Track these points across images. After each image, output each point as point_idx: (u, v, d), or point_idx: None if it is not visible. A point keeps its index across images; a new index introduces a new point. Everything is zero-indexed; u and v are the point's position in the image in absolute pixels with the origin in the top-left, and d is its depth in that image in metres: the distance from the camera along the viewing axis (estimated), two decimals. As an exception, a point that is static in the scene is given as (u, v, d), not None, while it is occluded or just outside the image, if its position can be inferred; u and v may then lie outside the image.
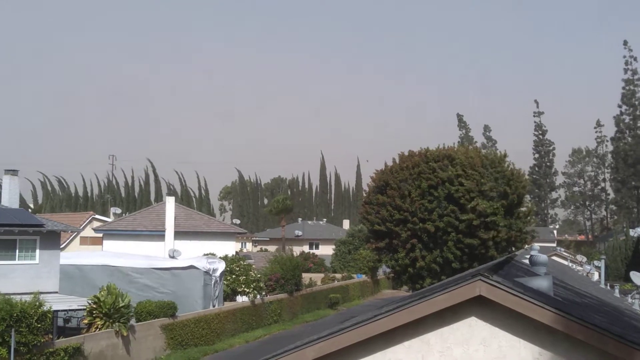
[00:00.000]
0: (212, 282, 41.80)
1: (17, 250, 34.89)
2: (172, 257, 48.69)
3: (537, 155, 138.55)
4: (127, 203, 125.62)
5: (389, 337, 9.59)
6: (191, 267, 41.47)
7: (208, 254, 50.56)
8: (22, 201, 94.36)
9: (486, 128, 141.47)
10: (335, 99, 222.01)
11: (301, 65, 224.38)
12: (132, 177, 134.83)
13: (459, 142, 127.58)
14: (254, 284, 45.69)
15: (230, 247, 58.58)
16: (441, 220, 42.08)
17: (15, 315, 26.42)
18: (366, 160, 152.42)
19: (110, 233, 59.12)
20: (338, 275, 70.45)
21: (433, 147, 46.38)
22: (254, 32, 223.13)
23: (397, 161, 45.99)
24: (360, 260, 74.19)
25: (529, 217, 45.78)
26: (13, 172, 39.58)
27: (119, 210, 78.03)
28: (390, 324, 9.46)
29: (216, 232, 59.43)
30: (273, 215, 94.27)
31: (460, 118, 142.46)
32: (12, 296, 27.91)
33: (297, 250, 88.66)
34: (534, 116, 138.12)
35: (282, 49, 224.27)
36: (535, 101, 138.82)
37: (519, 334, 9.29)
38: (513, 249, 42.01)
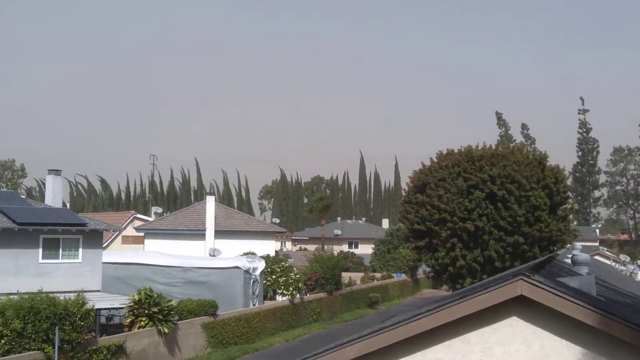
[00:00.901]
0: (252, 281, 42.00)
1: (61, 249, 35.39)
2: (213, 256, 49.05)
3: (580, 153, 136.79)
4: (167, 202, 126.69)
5: (429, 337, 9.56)
6: (231, 266, 41.72)
7: (248, 253, 50.84)
8: (67, 201, 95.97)
9: (524, 126, 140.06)
10: (374, 98, 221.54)
11: (338, 64, 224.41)
12: (172, 177, 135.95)
13: (498, 140, 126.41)
14: (294, 284, 45.81)
15: (270, 246, 58.81)
16: (480, 219, 41.84)
17: (59, 313, 26.79)
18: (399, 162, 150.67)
19: (152, 232, 59.71)
20: (377, 275, 70.31)
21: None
22: (282, 28, 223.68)
23: (436, 160, 45.77)
24: (399, 259, 73.96)
25: (571, 216, 45.35)
26: (56, 172, 40.17)
27: (160, 210, 78.70)
28: (430, 323, 9.43)
29: (256, 232, 59.70)
30: (312, 215, 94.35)
31: (499, 116, 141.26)
32: (56, 294, 28.29)
33: (336, 249, 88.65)
34: (579, 113, 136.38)
35: (312, 48, 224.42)
36: (581, 98, 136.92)
37: (561, 334, 9.20)
38: (555, 248, 41.61)
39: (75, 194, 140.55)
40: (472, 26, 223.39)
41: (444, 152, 46.28)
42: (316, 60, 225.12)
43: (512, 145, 58.88)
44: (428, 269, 50.17)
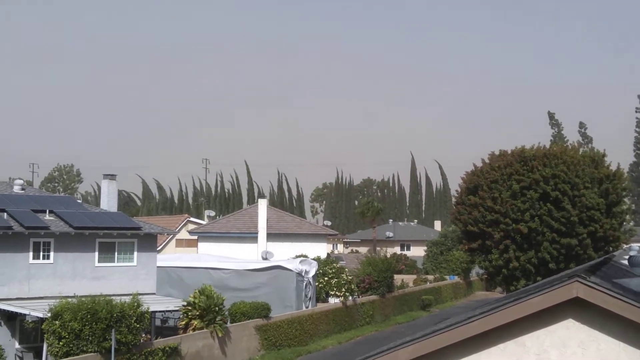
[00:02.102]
0: (305, 284, 42.12)
1: (116, 253, 35.96)
2: (265, 258, 49.30)
3: (637, 153, 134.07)
4: (220, 205, 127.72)
5: (483, 339, 9.49)
6: (284, 268, 41.91)
7: (300, 256, 50.99)
8: (120, 204, 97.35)
9: (582, 125, 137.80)
10: (424, 99, 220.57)
11: (387, 66, 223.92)
12: (221, 181, 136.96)
13: (551, 140, 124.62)
14: (346, 286, 45.82)
15: (321, 249, 58.90)
16: (533, 220, 41.36)
17: (115, 315, 27.22)
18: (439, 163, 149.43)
19: (205, 235, 60.29)
20: (430, 277, 69.91)
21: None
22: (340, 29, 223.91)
23: (488, 161, 45.37)
24: (452, 261, 73.46)
25: (627, 216, 44.58)
26: (111, 177, 40.84)
27: (213, 213, 79.44)
28: (484, 326, 9.36)
29: (307, 234, 59.85)
30: (364, 218, 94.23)
31: (551, 116, 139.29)
32: (111, 297, 28.75)
33: (388, 251, 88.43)
34: (636, 112, 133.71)
35: (363, 48, 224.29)
36: (639, 97, 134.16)
37: (618, 337, 9.05)
38: (610, 249, 40.94)
39: (129, 198, 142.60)
40: (521, 24, 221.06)
41: (496, 153, 45.86)
42: (367, 61, 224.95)
43: (566, 144, 58.00)
44: (481, 271, 49.85)
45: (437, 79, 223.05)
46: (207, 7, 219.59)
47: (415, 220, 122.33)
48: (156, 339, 32.28)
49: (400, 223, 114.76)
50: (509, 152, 45.29)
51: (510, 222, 41.73)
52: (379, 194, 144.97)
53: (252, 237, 57.18)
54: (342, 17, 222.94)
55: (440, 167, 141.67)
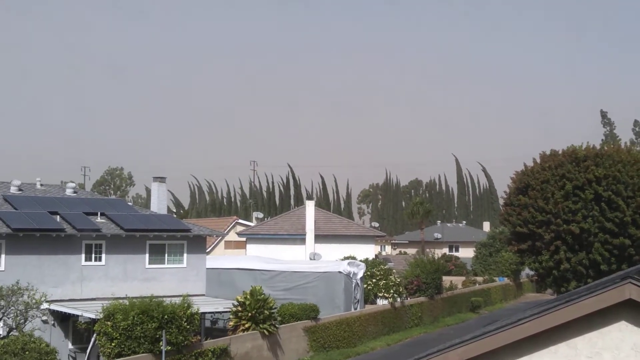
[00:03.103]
0: (353, 285, 42.11)
1: (166, 255, 36.39)
2: (313, 260, 49.46)
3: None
4: (268, 207, 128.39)
5: (533, 342, 9.41)
6: (332, 270, 41.95)
7: (348, 257, 51.00)
8: (171, 206, 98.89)
9: (636, 123, 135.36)
10: (466, 99, 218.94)
11: (432, 66, 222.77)
12: (272, 182, 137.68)
13: (602, 140, 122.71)
14: (394, 287, 45.70)
15: (369, 250, 58.84)
16: (585, 221, 40.79)
17: (165, 316, 27.52)
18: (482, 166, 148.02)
19: (253, 237, 60.65)
20: (479, 278, 69.38)
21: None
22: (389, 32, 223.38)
23: (538, 161, 44.88)
24: (501, 262, 72.80)
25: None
26: (161, 180, 41.33)
27: (261, 215, 79.86)
28: (535, 328, 9.28)
29: (355, 236, 59.83)
30: (413, 219, 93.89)
31: (604, 114, 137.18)
32: (162, 298, 29.08)
33: (436, 253, 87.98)
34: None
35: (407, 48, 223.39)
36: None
37: (673, 339, 8.90)
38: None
39: (179, 200, 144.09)
40: (568, 19, 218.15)
41: (547, 152, 45.35)
42: (412, 63, 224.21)
43: (619, 144, 57.09)
44: (531, 273, 49.32)
45: (482, 78, 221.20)
46: (263, 7, 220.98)
47: (464, 222, 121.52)
48: (206, 339, 32.56)
49: (449, 224, 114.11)
50: (560, 152, 44.76)
51: (562, 222, 41.21)
52: (427, 195, 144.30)
53: (299, 238, 57.36)
54: (398, 26, 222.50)
55: (484, 169, 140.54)
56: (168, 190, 42.13)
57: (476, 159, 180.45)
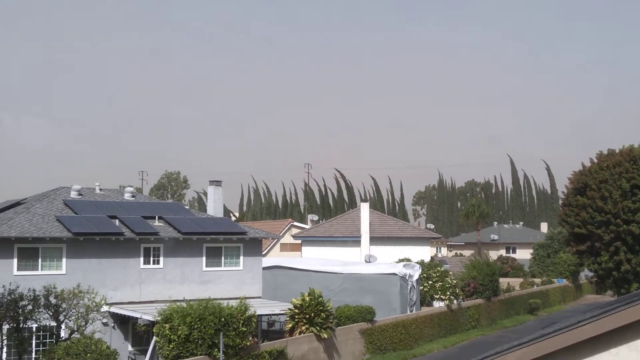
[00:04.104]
0: (409, 288, 41.97)
1: (223, 257, 36.71)
2: (368, 262, 49.41)
3: None
4: (322, 210, 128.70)
5: (594, 344, 9.29)
6: (388, 272, 41.88)
7: (403, 259, 50.86)
8: (226, 210, 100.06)
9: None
10: (524, 99, 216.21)
11: (481, 67, 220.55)
12: (325, 185, 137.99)
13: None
14: (450, 289, 45.42)
15: (425, 252, 58.56)
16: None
17: (223, 319, 27.78)
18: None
19: (308, 239, 60.85)
20: (537, 280, 68.50)
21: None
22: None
23: (596, 161, 44.20)
24: (560, 264, 71.76)
25: None
26: (217, 183, 41.73)
27: (316, 217, 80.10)
28: (595, 330, 9.16)
29: (410, 237, 59.61)
30: (469, 221, 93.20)
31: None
32: (219, 301, 29.35)
33: (493, 254, 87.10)
34: None
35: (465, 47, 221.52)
36: None
37: None
38: None
39: (235, 203, 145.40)
40: (622, 16, 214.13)
41: (605, 152, 44.63)
42: (468, 60, 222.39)
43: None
44: (590, 274, 48.45)
45: (538, 76, 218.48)
46: (322, 7, 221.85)
47: (521, 223, 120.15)
48: (263, 342, 32.77)
49: (505, 225, 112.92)
50: (617, 151, 44.02)
51: (621, 223, 40.49)
52: (482, 196, 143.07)
53: (354, 240, 57.38)
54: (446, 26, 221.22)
55: (547, 167, 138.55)
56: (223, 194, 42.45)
57: (539, 159, 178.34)
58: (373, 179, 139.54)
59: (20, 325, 27.33)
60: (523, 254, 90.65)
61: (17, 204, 36.62)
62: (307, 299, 33.07)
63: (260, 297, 37.28)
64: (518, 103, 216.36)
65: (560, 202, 48.97)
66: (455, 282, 46.98)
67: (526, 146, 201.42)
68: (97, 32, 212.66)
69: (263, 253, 44.36)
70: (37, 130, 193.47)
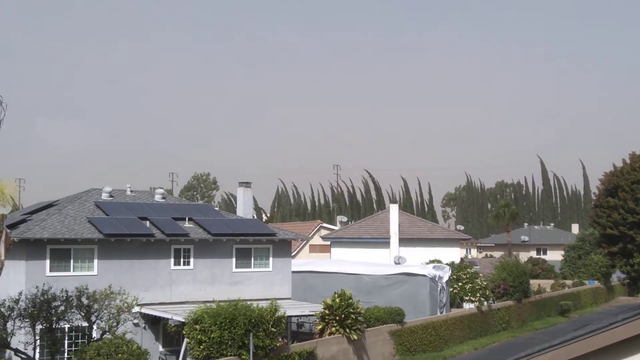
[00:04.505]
0: (439, 289, 41.82)
1: (253, 259, 36.85)
2: (397, 263, 49.33)
3: None
4: (351, 211, 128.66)
5: (626, 346, 9.22)
6: (417, 273, 41.76)
7: (433, 261, 50.70)
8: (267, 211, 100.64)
9: None
10: (556, 99, 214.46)
11: (514, 67, 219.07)
12: (352, 186, 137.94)
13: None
14: (480, 291, 45.20)
15: (454, 254, 58.34)
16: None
17: (253, 320, 27.87)
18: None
19: (338, 241, 60.90)
20: (568, 282, 67.88)
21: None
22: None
23: (628, 162, 43.78)
24: (591, 265, 70.99)
25: None
26: (246, 185, 41.90)
27: (345, 219, 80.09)
28: (627, 332, 9.09)
29: (440, 239, 59.43)
30: (499, 222, 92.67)
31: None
32: (249, 302, 29.45)
33: (523, 256, 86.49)
34: None
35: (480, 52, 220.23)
36: None
37: None
38: None
39: (264, 204, 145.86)
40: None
41: (637, 153, 44.19)
42: (497, 61, 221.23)
43: None
44: (622, 276, 48.10)
45: (570, 78, 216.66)
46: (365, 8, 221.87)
47: (552, 224, 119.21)
48: (292, 343, 32.83)
49: (536, 227, 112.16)
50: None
51: (654, 224, 40.10)
52: (512, 197, 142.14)
53: (384, 242, 57.31)
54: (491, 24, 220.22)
55: (583, 167, 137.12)
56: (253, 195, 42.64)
57: (572, 161, 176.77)
58: (403, 179, 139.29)
59: (53, 326, 27.61)
60: (554, 256, 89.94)
61: (50, 205, 37.03)
62: (337, 300, 33.07)
63: (289, 299, 37.35)
64: (550, 104, 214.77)
65: (592, 203, 48.52)
66: (485, 283, 46.73)
67: (558, 147, 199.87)
68: (130, 33, 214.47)
69: (292, 254, 44.48)
70: (68, 133, 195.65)
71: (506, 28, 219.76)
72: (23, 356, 26.84)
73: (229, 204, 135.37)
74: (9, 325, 26.54)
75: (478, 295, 45.04)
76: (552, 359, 9.41)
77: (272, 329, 28.48)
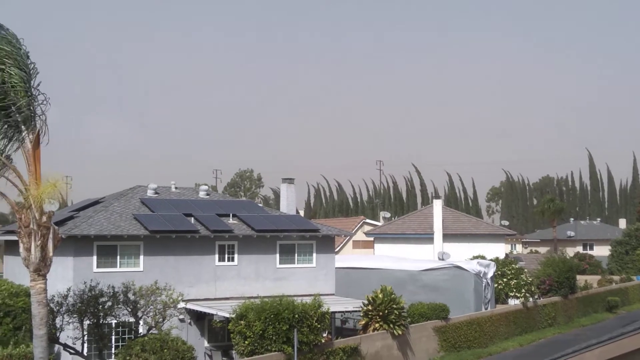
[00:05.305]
0: (483, 285, 41.57)
1: (296, 254, 37.00)
2: (442, 259, 49.10)
3: None
4: (395, 207, 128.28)
5: (676, 343, 9.08)
6: (461, 269, 41.58)
7: (477, 257, 50.39)
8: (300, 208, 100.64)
9: None
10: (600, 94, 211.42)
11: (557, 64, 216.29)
12: (395, 182, 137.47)
13: None
14: (526, 287, 44.80)
15: (499, 249, 57.89)
16: None
17: (297, 316, 27.97)
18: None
19: (381, 237, 60.82)
20: (616, 277, 66.97)
21: None
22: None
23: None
24: (638, 261, 70.01)
25: None
26: (290, 181, 42.04)
27: (388, 214, 79.86)
28: (677, 329, 8.96)
29: (484, 234, 59.00)
30: (543, 217, 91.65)
31: None
32: (292, 298, 29.56)
33: (570, 251, 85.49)
34: None
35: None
36: None
37: None
38: None
39: (308, 200, 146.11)
40: None
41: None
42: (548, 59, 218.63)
43: None
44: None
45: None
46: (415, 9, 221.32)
47: (598, 219, 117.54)
48: (336, 339, 32.87)
49: (582, 222, 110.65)
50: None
51: None
52: (558, 192, 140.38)
53: (428, 237, 57.10)
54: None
55: (634, 160, 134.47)
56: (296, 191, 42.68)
57: (623, 154, 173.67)
58: (448, 174, 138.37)
59: (100, 321, 27.97)
60: (601, 251, 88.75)
61: (96, 202, 37.55)
62: (380, 295, 33.04)
63: (333, 294, 37.43)
64: (598, 98, 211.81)
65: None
66: (530, 279, 46.31)
67: (608, 140, 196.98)
68: (177, 31, 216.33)
69: (336, 250, 44.50)
70: (114, 131, 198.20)
71: (555, 17, 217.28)
72: (72, 351, 27.25)
73: (273, 200, 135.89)
74: (58, 320, 26.95)
75: (523, 291, 44.68)
76: (600, 356, 9.31)
77: (316, 324, 28.55)
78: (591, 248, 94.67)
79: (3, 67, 19.76)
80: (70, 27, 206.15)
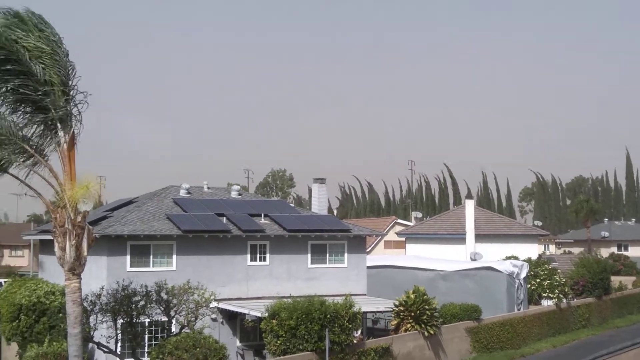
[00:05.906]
0: (516, 286, 41.27)
1: (328, 254, 37.04)
2: (474, 260, 48.84)
3: None
4: (426, 207, 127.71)
5: None
6: (494, 270, 41.30)
7: (510, 257, 50.04)
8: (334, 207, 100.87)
9: None
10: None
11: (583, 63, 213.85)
12: (427, 181, 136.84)
13: None
14: (559, 288, 44.40)
15: (532, 250, 57.46)
16: None
17: (328, 315, 27.97)
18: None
19: (412, 237, 60.66)
20: (651, 279, 66.10)
21: None
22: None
23: None
24: (674, 262, 69.06)
25: None
26: (321, 181, 42.06)
27: (419, 214, 79.58)
28: None
29: (517, 235, 58.59)
30: (577, 217, 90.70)
31: None
32: (324, 297, 29.57)
33: (604, 252, 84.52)
34: None
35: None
36: None
37: None
38: None
39: (339, 200, 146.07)
40: None
41: None
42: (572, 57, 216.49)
43: None
44: None
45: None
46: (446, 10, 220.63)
47: (633, 219, 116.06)
48: (368, 339, 32.82)
49: (617, 222, 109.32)
50: None
51: None
52: (592, 192, 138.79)
53: (460, 238, 56.81)
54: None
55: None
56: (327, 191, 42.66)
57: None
58: (483, 174, 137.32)
59: (134, 320, 28.17)
60: (636, 252, 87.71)
61: (129, 202, 37.86)
62: (412, 296, 32.93)
63: (364, 295, 37.40)
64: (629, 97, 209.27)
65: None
66: (564, 280, 45.89)
67: None
68: (214, 33, 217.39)
69: (367, 250, 44.44)
70: (147, 131, 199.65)
71: (594, 17, 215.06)
72: (105, 349, 27.48)
73: (305, 200, 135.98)
74: (92, 319, 27.19)
75: (556, 292, 44.28)
76: (635, 357, 9.21)
77: (348, 324, 28.54)
78: (626, 249, 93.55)
79: (44, 66, 19.84)
80: (111, 25, 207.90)
